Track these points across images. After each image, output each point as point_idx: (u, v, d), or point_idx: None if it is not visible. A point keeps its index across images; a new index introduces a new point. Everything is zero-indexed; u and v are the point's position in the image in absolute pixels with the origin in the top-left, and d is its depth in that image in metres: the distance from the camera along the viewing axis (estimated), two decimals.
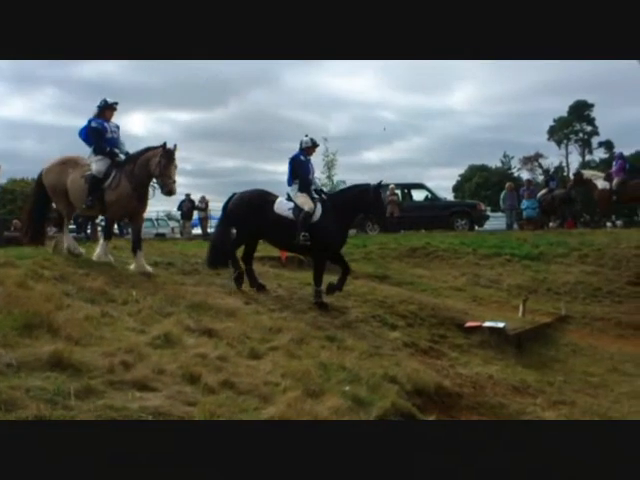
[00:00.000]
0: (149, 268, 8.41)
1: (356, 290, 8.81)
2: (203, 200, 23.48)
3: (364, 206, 8.80)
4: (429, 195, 20.84)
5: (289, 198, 8.81)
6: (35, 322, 4.68)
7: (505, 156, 61.68)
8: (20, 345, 4.23)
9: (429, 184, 21.90)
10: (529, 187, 21.09)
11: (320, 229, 8.46)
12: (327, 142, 29.77)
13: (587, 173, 20.63)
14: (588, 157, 59.01)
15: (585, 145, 60.15)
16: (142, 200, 8.49)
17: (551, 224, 20.10)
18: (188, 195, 23.19)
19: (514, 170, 59.90)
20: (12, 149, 78.59)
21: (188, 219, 23.36)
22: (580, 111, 58.95)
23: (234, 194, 9.03)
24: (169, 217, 30.45)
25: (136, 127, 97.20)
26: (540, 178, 42.15)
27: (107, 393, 3.74)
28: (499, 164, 61.31)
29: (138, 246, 8.41)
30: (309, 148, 9.03)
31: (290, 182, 8.88)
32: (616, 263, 14.22)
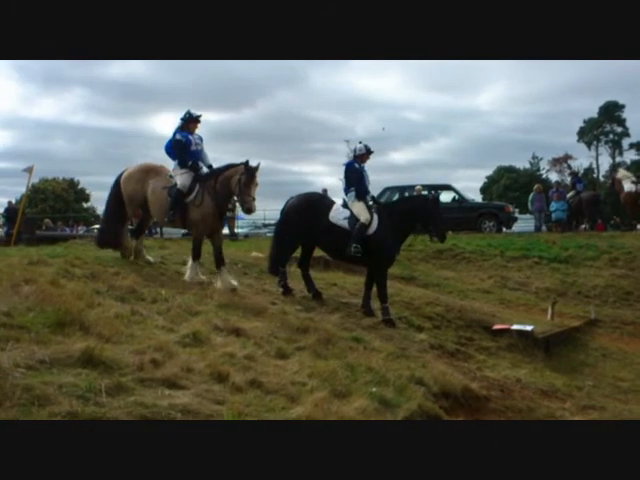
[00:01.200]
0: (235, 283, 8.12)
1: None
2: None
3: (422, 217, 8.52)
4: (456, 197, 20.67)
5: (345, 204, 8.63)
6: (67, 320, 4.76)
7: (534, 157, 61.10)
8: (52, 342, 4.31)
9: (456, 185, 21.71)
10: (558, 189, 20.82)
11: (377, 242, 8.26)
12: (350, 144, 29.69)
13: (621, 173, 20.24)
14: (619, 159, 58.10)
15: (615, 146, 59.21)
16: (222, 217, 8.50)
17: (583, 226, 19.79)
18: None
19: (543, 172, 59.32)
20: (43, 149, 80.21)
21: None
22: (611, 112, 58.08)
23: (291, 197, 8.92)
24: None
25: (165, 128, 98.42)
26: (569, 180, 41.63)
27: (137, 390, 3.79)
28: (527, 165, 60.75)
29: (222, 263, 8.19)
30: (363, 155, 8.81)
31: (347, 190, 8.66)
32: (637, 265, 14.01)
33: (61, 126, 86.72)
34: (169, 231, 26.15)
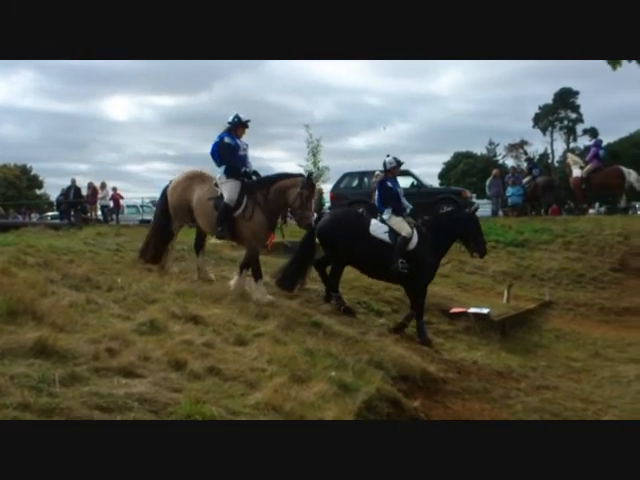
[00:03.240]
0: (271, 297, 7.58)
1: (343, 277, 8.80)
2: None
3: (462, 232, 8.34)
4: (415, 182, 20.83)
5: (382, 221, 8.43)
6: (19, 309, 4.63)
7: (490, 143, 62.05)
8: (4, 332, 4.19)
9: (415, 171, 21.84)
10: (514, 174, 21.16)
11: (418, 257, 8.04)
12: (309, 129, 29.62)
13: (570, 158, 20.73)
14: (573, 144, 59.41)
15: (570, 132, 60.51)
16: (274, 229, 7.95)
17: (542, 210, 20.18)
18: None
19: (499, 157, 60.26)
20: None
21: None
22: (565, 98, 59.28)
23: (322, 213, 8.58)
24: (154, 204, 30.28)
25: (117, 112, 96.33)
26: (525, 165, 42.40)
27: (92, 380, 3.72)
28: (484, 151, 61.64)
29: (259, 275, 7.67)
30: (394, 168, 8.70)
31: (381, 207, 8.56)
32: (599, 250, 14.37)
33: (10, 110, 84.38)
34: (125, 218, 25.81)
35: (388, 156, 8.70)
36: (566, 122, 60.32)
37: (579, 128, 60.02)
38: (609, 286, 13.05)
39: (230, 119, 7.98)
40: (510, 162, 54.59)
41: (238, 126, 7.97)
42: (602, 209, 20.97)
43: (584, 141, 58.01)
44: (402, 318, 8.31)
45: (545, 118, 60.36)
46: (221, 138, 7.88)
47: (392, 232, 8.15)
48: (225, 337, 5.43)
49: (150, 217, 27.45)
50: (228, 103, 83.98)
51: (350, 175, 21.31)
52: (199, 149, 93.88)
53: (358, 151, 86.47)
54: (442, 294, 10.45)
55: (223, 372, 4.42)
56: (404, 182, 21.48)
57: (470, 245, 8.42)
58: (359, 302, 8.75)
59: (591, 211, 20.07)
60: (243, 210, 7.59)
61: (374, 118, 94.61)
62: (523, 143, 59.20)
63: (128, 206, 28.73)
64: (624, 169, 18.27)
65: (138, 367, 4.09)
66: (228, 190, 7.67)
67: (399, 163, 8.66)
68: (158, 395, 3.70)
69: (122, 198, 25.75)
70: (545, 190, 19.76)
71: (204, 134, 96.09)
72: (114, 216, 24.26)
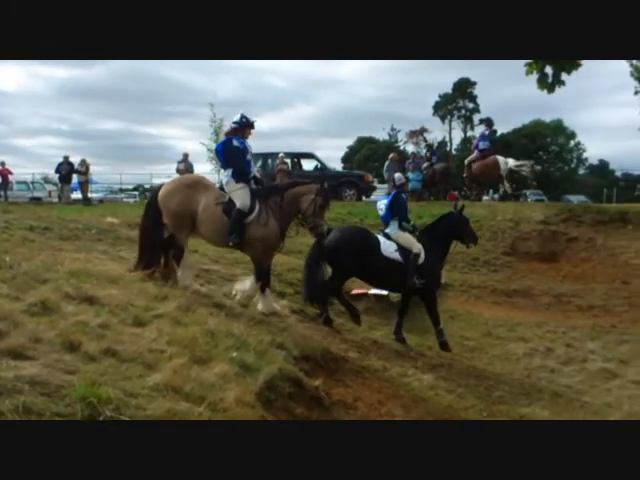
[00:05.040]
0: (277, 307, 7.44)
1: (244, 258, 8.73)
2: (83, 163, 22.30)
3: (458, 234, 9.02)
4: (318, 165, 21.01)
5: (386, 236, 8.64)
6: None
7: (392, 129, 63.46)
8: None
9: (319, 154, 22.05)
10: (414, 160, 21.74)
11: (427, 269, 8.39)
12: (214, 108, 29.14)
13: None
14: (470, 133, 61.81)
15: (467, 121, 62.91)
16: (284, 237, 7.49)
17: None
18: (67, 157, 21.90)
19: (400, 143, 61.78)
20: None
21: (67, 183, 22.12)
22: (463, 88, 61.47)
23: (329, 229, 8.20)
24: (46, 180, 28.83)
25: (5, 81, 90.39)
26: (425, 152, 43.69)
27: None
28: (387, 137, 62.96)
29: (267, 284, 7.43)
30: (403, 184, 9.25)
31: (387, 218, 8.80)
32: (492, 234, 15.09)
33: None
34: (14, 194, 24.39)
35: (396, 173, 9.50)
36: (464, 111, 62.65)
37: (476, 118, 62.56)
38: (501, 269, 13.75)
39: (237, 119, 7.56)
40: (411, 148, 56.16)
41: (245, 127, 7.60)
42: (495, 196, 21.99)
43: (480, 130, 60.50)
44: (437, 337, 8.45)
45: (444, 107, 62.41)
46: (229, 140, 7.50)
47: (401, 249, 8.43)
48: (122, 318, 5.23)
49: (41, 194, 26.21)
50: (126, 78, 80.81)
51: (254, 156, 21.11)
52: (95, 124, 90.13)
53: (262, 132, 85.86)
54: None
55: (120, 353, 4.26)
56: (308, 165, 21.67)
57: (465, 239, 9.15)
58: None
59: (485, 198, 20.96)
60: (257, 216, 7.24)
61: (278, 100, 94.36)
62: (423, 130, 61.05)
63: (17, 182, 27.07)
64: (500, 159, 19.35)
65: (28, 349, 3.87)
66: (241, 196, 7.28)
67: (407, 179, 9.28)
68: (51, 377, 3.51)
69: (11, 173, 24.35)
70: (442, 176, 20.48)
71: (100, 109, 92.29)
72: (2, 192, 22.90)
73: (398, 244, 8.47)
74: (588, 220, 17.16)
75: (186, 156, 20.46)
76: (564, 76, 4.35)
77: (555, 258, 15.68)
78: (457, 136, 63.64)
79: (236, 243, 7.18)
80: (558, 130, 64.36)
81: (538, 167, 18.45)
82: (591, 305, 12.68)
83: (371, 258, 8.27)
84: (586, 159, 66.99)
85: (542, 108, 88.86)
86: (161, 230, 7.46)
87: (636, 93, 31.74)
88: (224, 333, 5.48)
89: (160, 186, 7.68)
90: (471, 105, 62.50)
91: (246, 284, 7.44)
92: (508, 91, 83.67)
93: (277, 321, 6.97)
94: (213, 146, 28.85)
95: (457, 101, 62.48)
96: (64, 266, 6.61)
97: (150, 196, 7.76)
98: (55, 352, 3.99)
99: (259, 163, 20.44)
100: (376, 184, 23.96)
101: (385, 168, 21.46)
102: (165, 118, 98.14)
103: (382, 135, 63.49)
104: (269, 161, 20.23)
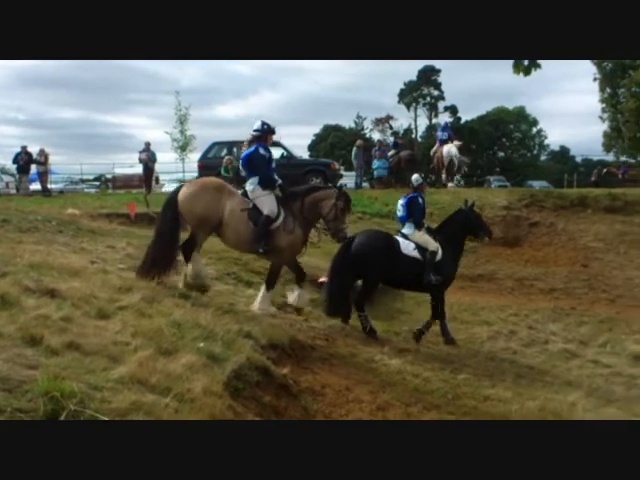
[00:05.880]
0: (274, 309, 7.58)
1: (212, 248, 8.68)
2: (42, 153, 21.77)
3: (471, 229, 9.22)
4: (284, 153, 20.90)
5: (403, 236, 8.71)
6: None
7: (358, 117, 63.46)
8: None
9: (284, 142, 21.91)
10: (380, 147, 21.83)
11: (444, 266, 8.54)
12: (179, 95, 28.80)
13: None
14: (435, 120, 62.19)
15: (432, 109, 63.27)
16: (306, 243, 7.64)
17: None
18: (24, 147, 21.36)
19: (367, 131, 61.86)
20: None
21: (25, 173, 21.59)
22: (428, 76, 61.73)
23: (352, 237, 8.36)
24: (3, 171, 28.14)
25: None
26: (391, 139, 44.05)
27: None
28: (353, 124, 62.98)
29: (272, 286, 7.54)
30: (420, 185, 9.15)
31: (404, 219, 8.86)
32: None
33: None
34: None
35: (414, 174, 9.47)
36: (429, 99, 62.98)
37: (441, 105, 62.97)
38: (465, 254, 13.83)
39: (258, 127, 7.63)
40: (377, 136, 56.29)
41: (267, 133, 7.67)
42: (462, 182, 22.33)
43: (445, 117, 60.98)
44: (422, 326, 8.56)
45: (409, 94, 62.62)
46: (257, 149, 7.53)
47: (419, 248, 8.53)
48: (85, 311, 5.15)
49: None
50: (85, 65, 78.84)
51: (219, 144, 20.98)
52: (54, 113, 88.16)
53: (227, 120, 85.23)
54: (311, 264, 10.60)
55: (83, 347, 4.19)
56: (274, 153, 21.53)
57: (478, 234, 9.43)
58: (228, 273, 8.68)
59: (450, 184, 21.18)
60: (283, 223, 7.33)
61: (243, 87, 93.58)
62: (389, 118, 61.22)
63: None
64: (445, 149, 19.73)
65: None
66: (268, 203, 7.35)
67: (425, 179, 9.41)
68: (12, 372, 3.44)
69: None
70: (408, 163, 20.61)
71: (59, 97, 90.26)
72: None
73: (416, 243, 8.61)
74: (549, 205, 17.51)
75: (148, 145, 20.17)
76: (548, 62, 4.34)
77: (518, 243, 15.98)
78: (422, 123, 64.05)
79: (266, 250, 7.23)
80: (521, 117, 65.25)
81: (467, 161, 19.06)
82: (552, 288, 12.98)
83: (393, 259, 8.38)
84: (548, 145, 68.18)
85: (505, 95, 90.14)
86: (178, 234, 7.40)
87: (595, 80, 32.25)
88: (190, 324, 5.44)
89: (178, 189, 7.56)
90: (436, 93, 62.85)
91: (295, 294, 7.67)
92: (472, 78, 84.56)
93: (244, 311, 6.96)
94: (178, 135, 28.53)
95: (422, 89, 62.73)
96: (24, 259, 6.47)
97: (169, 199, 7.53)
98: (16, 346, 3.91)
99: (224, 151, 20.30)
100: (342, 172, 23.97)
101: (353, 155, 21.50)
102: (127, 106, 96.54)
103: (348, 123, 63.54)
104: (234, 149, 20.04)
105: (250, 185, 7.47)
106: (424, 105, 63.32)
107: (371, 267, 8.30)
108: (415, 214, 8.82)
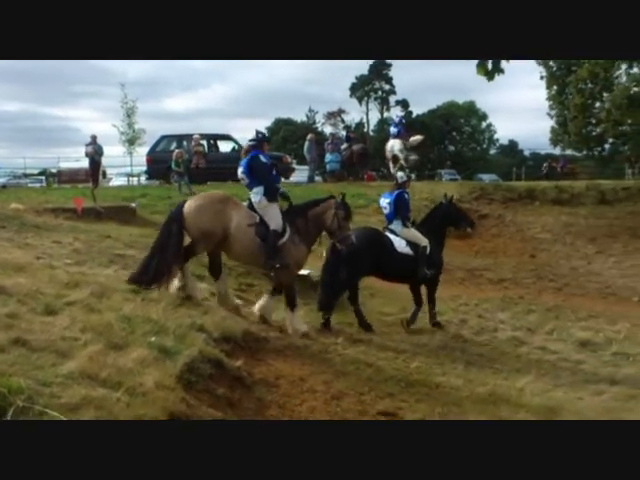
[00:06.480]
0: (306, 327, 7.42)
1: None
2: None
3: (451, 221, 9.59)
4: (236, 146, 20.78)
5: (392, 232, 8.95)
6: None
7: (310, 110, 63.50)
8: None
9: (236, 135, 21.81)
10: (333, 141, 21.88)
11: (433, 258, 8.88)
12: (125, 88, 28.30)
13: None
14: (386, 114, 62.75)
15: (384, 103, 63.78)
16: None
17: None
18: None
19: (319, 124, 61.97)
20: None
21: None
22: (379, 70, 62.17)
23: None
24: None
25: None
26: (343, 133, 44.29)
27: None
28: (304, 118, 62.98)
29: (294, 304, 7.42)
30: (405, 182, 9.38)
31: (392, 216, 9.07)
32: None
33: None
34: None
35: (400, 171, 10.05)
36: (380, 93, 63.46)
37: (392, 99, 63.54)
38: None
39: (255, 136, 7.61)
40: (329, 129, 56.45)
41: (263, 142, 7.64)
42: (413, 176, 22.69)
43: (396, 111, 61.60)
44: (410, 315, 8.92)
45: (361, 88, 62.99)
46: (256, 156, 7.40)
47: (410, 244, 8.83)
48: (32, 307, 5.02)
49: None
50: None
51: (168, 138, 20.72)
52: None
53: (175, 113, 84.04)
54: None
55: (31, 343, 4.10)
56: (225, 146, 21.40)
57: (460, 225, 9.86)
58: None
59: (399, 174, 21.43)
60: (289, 238, 7.30)
61: (192, 79, 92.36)
62: (341, 112, 61.45)
63: None
64: (388, 144, 20.11)
65: None
66: (274, 216, 7.28)
67: (409, 177, 9.78)
68: None
69: None
70: (360, 157, 20.75)
71: (1, 90, 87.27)
72: None
73: (406, 240, 8.86)
74: (498, 197, 17.91)
75: (94, 138, 19.64)
76: (503, 63, 4.42)
77: (468, 234, 16.25)
78: (374, 117, 64.52)
79: (283, 265, 7.18)
80: (471, 112, 66.41)
81: (413, 158, 19.32)
82: (501, 278, 13.29)
83: (386, 256, 8.61)
84: (497, 140, 69.66)
85: (455, 90, 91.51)
86: (181, 247, 7.19)
87: (542, 78, 33.03)
88: (141, 318, 5.37)
89: (182, 203, 7.39)
90: (387, 87, 63.38)
91: (264, 303, 7.52)
92: (423, 73, 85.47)
93: (197, 304, 6.90)
94: (125, 128, 28.01)
95: (373, 83, 63.16)
96: None
97: (174, 213, 7.33)
98: None
99: (173, 145, 20.04)
100: (295, 165, 23.97)
101: (305, 149, 21.48)
102: (72, 99, 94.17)
103: (300, 116, 63.51)
104: (184, 143, 19.81)
105: (256, 195, 7.35)
106: (375, 99, 63.80)
107: (362, 263, 8.48)
108: (402, 211, 9.05)
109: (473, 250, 15.63)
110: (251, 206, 7.40)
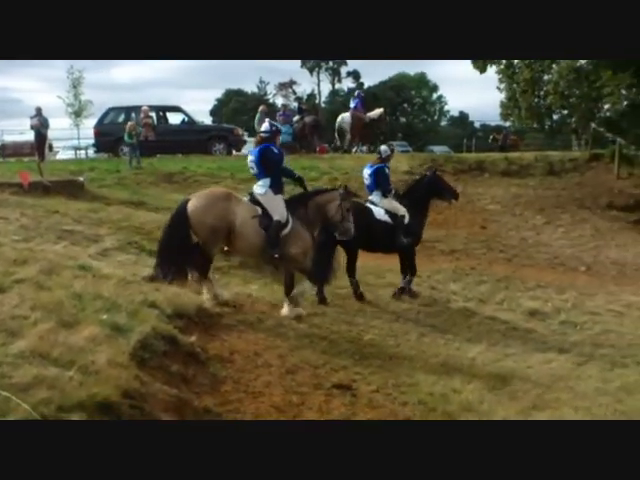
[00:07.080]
0: (301, 310, 7.46)
1: (110, 217, 8.41)
2: None
3: (434, 192, 9.73)
4: (186, 119, 20.41)
5: (372, 204, 9.27)
6: None
7: (261, 82, 62.74)
8: None
9: (185, 107, 21.36)
10: (284, 112, 21.67)
11: (412, 228, 9.20)
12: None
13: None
14: (338, 86, 62.52)
15: (335, 74, 63.44)
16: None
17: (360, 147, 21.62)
18: None
19: (270, 96, 61.32)
20: None
21: None
22: None
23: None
24: None
25: None
26: (294, 105, 43.84)
27: None
28: (255, 89, 62.22)
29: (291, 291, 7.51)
30: (389, 156, 9.65)
31: (372, 187, 9.42)
32: (360, 185, 15.41)
33: None
34: None
35: (383, 145, 9.90)
36: (331, 64, 63.06)
37: (343, 70, 63.26)
38: None
39: (266, 128, 7.56)
40: (280, 101, 55.88)
41: (276, 134, 7.66)
42: (364, 148, 22.71)
43: (348, 83, 61.48)
44: (403, 283, 9.36)
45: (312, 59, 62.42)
46: (268, 147, 7.36)
47: (389, 213, 9.17)
48: None
49: None
50: None
51: (115, 110, 20.22)
52: None
53: (123, 84, 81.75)
54: None
55: None
56: (175, 118, 20.98)
57: (444, 196, 9.94)
58: (130, 242, 8.45)
59: (354, 150, 21.45)
60: (292, 228, 7.29)
61: None
62: (292, 83, 60.87)
63: None
64: (340, 117, 20.68)
65: None
66: (279, 207, 7.25)
67: (392, 151, 9.89)
68: None
69: None
70: (313, 129, 20.66)
71: None
72: None
73: (385, 209, 9.21)
74: (449, 169, 18.10)
75: (39, 110, 19.01)
76: None
77: None
78: (326, 89, 64.16)
79: (281, 255, 7.21)
80: (421, 83, 66.71)
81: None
82: (453, 249, 13.51)
83: (370, 226, 8.83)
84: (448, 111, 70.29)
85: (406, 61, 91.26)
86: (187, 245, 7.10)
87: None
88: (92, 295, 5.28)
89: (185, 202, 7.21)
90: None
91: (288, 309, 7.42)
92: None
93: (148, 280, 6.82)
94: (72, 99, 27.16)
95: None
96: None
97: (178, 212, 7.19)
98: None
99: (122, 117, 19.55)
100: (246, 138, 23.70)
101: (256, 121, 21.21)
102: (11, 68, 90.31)
103: (251, 87, 62.71)
104: (133, 115, 19.32)
105: (261, 188, 7.32)
106: (327, 70, 63.39)
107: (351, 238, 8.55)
108: (382, 183, 9.36)
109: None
110: (252, 200, 7.40)
